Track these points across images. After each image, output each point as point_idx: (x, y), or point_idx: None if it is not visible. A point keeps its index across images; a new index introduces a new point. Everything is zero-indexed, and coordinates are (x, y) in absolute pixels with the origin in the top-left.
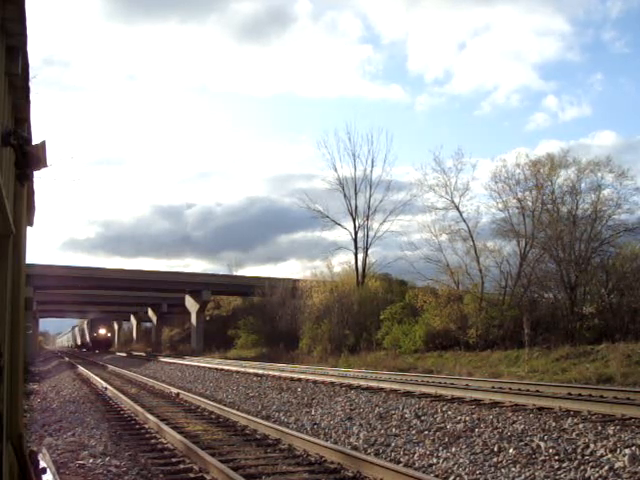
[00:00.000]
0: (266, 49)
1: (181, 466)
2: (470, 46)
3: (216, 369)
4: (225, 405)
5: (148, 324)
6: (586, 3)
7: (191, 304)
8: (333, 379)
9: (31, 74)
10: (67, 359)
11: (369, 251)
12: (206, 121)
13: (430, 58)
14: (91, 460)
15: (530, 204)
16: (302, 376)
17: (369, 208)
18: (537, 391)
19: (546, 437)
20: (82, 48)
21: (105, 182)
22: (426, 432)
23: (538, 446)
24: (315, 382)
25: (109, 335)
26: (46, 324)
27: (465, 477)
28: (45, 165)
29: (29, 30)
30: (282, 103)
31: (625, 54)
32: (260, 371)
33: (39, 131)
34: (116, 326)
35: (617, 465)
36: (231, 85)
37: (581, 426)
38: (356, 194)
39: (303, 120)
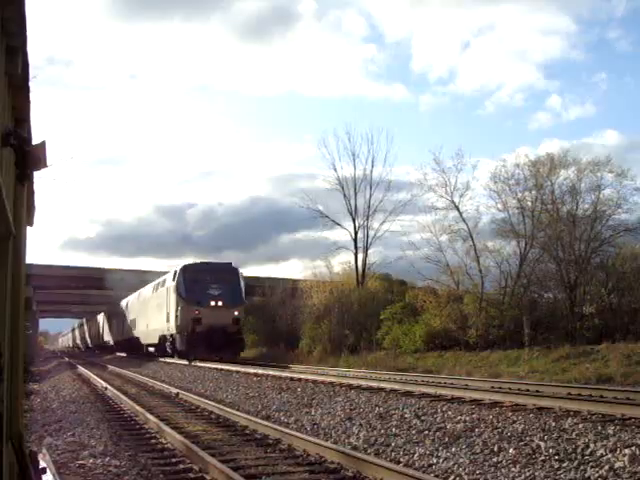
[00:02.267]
0: (269, 48)
1: (181, 466)
2: (474, 45)
3: (216, 369)
4: (225, 405)
5: None
6: (591, 2)
7: None
8: (333, 379)
9: (31, 74)
10: (67, 359)
11: (369, 251)
12: (208, 120)
13: (434, 57)
14: (91, 460)
15: (530, 204)
16: (302, 376)
17: (369, 208)
18: (537, 391)
19: (546, 437)
20: (84, 47)
21: (106, 181)
22: (426, 432)
23: (538, 446)
24: (315, 382)
25: (237, 314)
26: (46, 324)
27: (465, 477)
28: (45, 165)
29: (29, 30)
30: (285, 102)
31: (630, 53)
32: (260, 371)
33: (39, 131)
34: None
35: (617, 465)
36: (234, 84)
37: (581, 426)
38: (356, 194)
39: (306, 119)
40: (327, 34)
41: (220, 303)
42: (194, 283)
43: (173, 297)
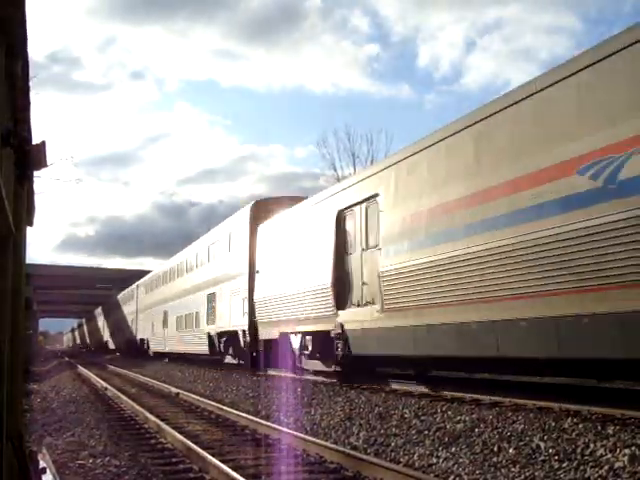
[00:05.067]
0: (275, 46)
1: (181, 466)
2: (480, 44)
3: (216, 369)
4: (225, 405)
5: None
6: (598, 0)
7: None
8: (333, 379)
9: (31, 73)
10: (67, 359)
11: None
12: (211, 119)
13: (439, 56)
14: (91, 460)
15: None
16: (302, 376)
17: None
18: (537, 391)
19: (546, 437)
20: (89, 46)
21: (108, 180)
22: (426, 432)
23: (538, 446)
24: (315, 382)
25: None
26: (46, 324)
27: (465, 477)
28: (45, 165)
29: (32, 29)
30: (288, 101)
31: None
32: (259, 371)
33: (39, 131)
34: None
35: (617, 465)
36: (237, 83)
37: (581, 426)
38: None
39: (308, 119)
40: (332, 33)
41: None
42: None
43: None
